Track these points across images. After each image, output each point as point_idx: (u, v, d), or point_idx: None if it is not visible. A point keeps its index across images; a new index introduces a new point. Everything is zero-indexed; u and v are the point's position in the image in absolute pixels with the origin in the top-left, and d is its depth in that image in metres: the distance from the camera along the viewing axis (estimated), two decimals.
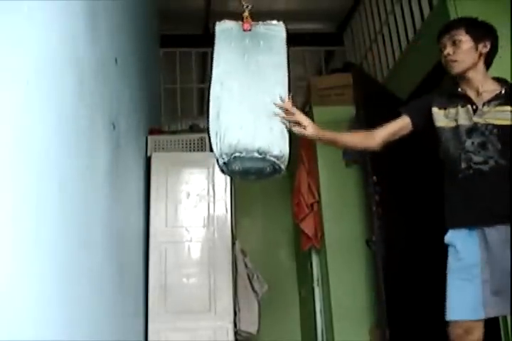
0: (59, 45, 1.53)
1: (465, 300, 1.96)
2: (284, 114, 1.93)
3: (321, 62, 6.03)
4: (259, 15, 1.94)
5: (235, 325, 3.43)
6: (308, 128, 2.01)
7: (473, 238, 2.01)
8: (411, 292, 3.31)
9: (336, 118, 4.08)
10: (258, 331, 3.74)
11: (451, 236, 2.06)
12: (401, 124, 2.21)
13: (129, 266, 2.80)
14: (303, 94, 4.67)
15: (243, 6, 1.92)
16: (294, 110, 1.99)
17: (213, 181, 3.56)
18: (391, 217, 3.43)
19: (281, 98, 1.90)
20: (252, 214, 5.29)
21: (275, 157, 1.77)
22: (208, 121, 1.84)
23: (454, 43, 2.12)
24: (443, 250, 2.13)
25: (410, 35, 4.11)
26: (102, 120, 2.12)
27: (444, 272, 2.08)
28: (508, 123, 2.03)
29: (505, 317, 2.69)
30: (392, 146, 2.25)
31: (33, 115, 1.27)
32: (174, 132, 4.49)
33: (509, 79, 2.19)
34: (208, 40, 1.95)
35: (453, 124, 2.11)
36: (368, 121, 3.51)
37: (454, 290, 1.99)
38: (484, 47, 2.12)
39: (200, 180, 3.59)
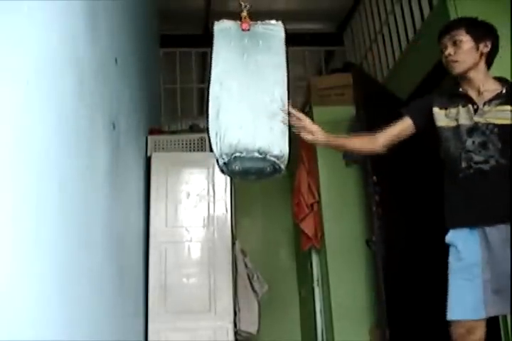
0: (59, 45, 1.53)
1: (466, 299, 1.96)
2: (294, 121, 1.97)
3: (321, 62, 6.03)
4: (259, 15, 1.94)
5: (235, 325, 3.43)
6: (319, 134, 2.03)
7: (474, 237, 2.01)
8: (411, 292, 3.31)
9: (336, 118, 4.08)
10: (258, 331, 3.74)
11: (452, 236, 2.06)
12: (403, 126, 2.22)
13: (129, 266, 2.80)
14: (303, 94, 4.67)
15: (241, 5, 1.92)
16: (303, 117, 2.01)
17: (213, 181, 3.56)
18: (391, 217, 3.43)
19: (281, 98, 1.90)
20: (252, 214, 5.29)
21: (275, 157, 1.77)
22: (208, 121, 1.84)
23: (455, 43, 2.12)
24: (443, 250, 2.13)
25: (410, 35, 4.11)
26: (102, 120, 2.12)
27: (444, 272, 2.08)
28: (508, 122, 2.04)
29: (505, 317, 2.70)
30: (392, 146, 2.26)
31: (33, 115, 1.27)
32: (174, 132, 4.49)
33: (510, 79, 2.19)
34: (207, 40, 1.95)
35: (454, 124, 2.11)
36: (368, 121, 3.51)
37: (455, 290, 1.99)
38: (485, 47, 2.12)
39: (200, 180, 3.59)
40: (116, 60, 2.47)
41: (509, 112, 2.04)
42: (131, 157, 2.99)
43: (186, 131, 4.29)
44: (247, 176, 1.87)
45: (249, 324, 3.63)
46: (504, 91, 2.09)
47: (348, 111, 3.89)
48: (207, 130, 1.83)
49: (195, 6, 5.26)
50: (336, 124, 4.09)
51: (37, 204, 1.27)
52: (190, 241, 3.47)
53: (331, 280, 3.98)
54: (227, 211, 3.54)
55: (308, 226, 4.21)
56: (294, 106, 2.01)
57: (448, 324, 2.01)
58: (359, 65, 5.09)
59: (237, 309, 3.51)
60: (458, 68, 2.13)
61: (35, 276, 1.24)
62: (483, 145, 2.04)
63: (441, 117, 2.14)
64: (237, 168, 1.78)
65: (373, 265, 3.59)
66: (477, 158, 2.04)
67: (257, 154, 1.75)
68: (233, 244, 3.59)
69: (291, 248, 5.23)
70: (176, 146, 3.75)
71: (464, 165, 2.06)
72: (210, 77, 1.88)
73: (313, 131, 2.04)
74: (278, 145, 1.79)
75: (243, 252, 3.85)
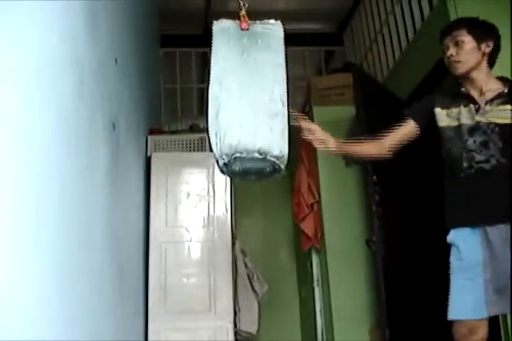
0: (59, 45, 1.53)
1: (468, 299, 1.96)
2: (306, 133, 2.05)
3: (321, 62, 6.03)
4: (259, 15, 1.94)
5: (235, 325, 3.43)
6: (330, 143, 2.06)
7: (475, 237, 2.01)
8: (411, 292, 3.31)
9: (336, 118, 4.08)
10: (258, 331, 3.74)
11: (454, 236, 2.06)
12: (407, 129, 2.22)
13: (129, 266, 2.80)
14: (303, 94, 4.67)
15: (240, 4, 1.92)
16: (314, 127, 2.05)
17: (213, 181, 3.56)
18: (391, 216, 3.43)
19: (280, 98, 1.90)
20: (252, 214, 5.29)
21: (275, 157, 1.77)
22: (207, 120, 1.84)
23: (457, 44, 2.12)
24: (443, 250, 2.13)
25: (410, 35, 4.11)
26: (102, 120, 2.12)
27: (444, 272, 2.08)
28: (509, 121, 2.04)
29: (505, 317, 2.70)
30: (397, 150, 2.26)
31: (33, 115, 1.27)
32: (174, 132, 4.49)
33: (477, 75, 2.17)
34: (207, 40, 1.95)
35: (455, 124, 2.11)
36: (368, 121, 3.51)
37: (457, 290, 1.99)
38: (487, 47, 2.12)
39: (200, 180, 3.59)
40: (116, 60, 2.47)
41: (510, 112, 2.05)
42: (131, 157, 3.00)
43: (186, 131, 4.29)
44: (246, 176, 1.86)
45: (249, 324, 3.63)
46: (506, 90, 2.09)
47: (348, 111, 3.89)
48: (207, 130, 1.83)
49: (195, 6, 5.26)
50: (336, 124, 4.09)
51: (37, 204, 1.27)
52: (190, 241, 3.47)
53: (331, 280, 3.98)
54: (227, 211, 3.54)
55: (308, 226, 4.21)
56: (294, 106, 2.01)
57: (448, 324, 2.01)
58: (359, 65, 5.09)
59: (237, 309, 3.51)
60: (460, 68, 2.13)
61: (35, 276, 1.24)
62: (485, 144, 2.04)
63: (443, 117, 2.15)
64: (237, 168, 1.77)
65: (373, 265, 3.59)
66: (478, 157, 2.04)
67: (257, 155, 1.75)
68: (233, 244, 3.59)
69: (291, 248, 5.23)
70: (176, 146, 3.75)
71: (465, 164, 2.06)
72: (209, 77, 1.88)
73: (325, 140, 2.06)
74: (278, 146, 1.79)
75: (243, 252, 3.85)
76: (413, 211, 3.54)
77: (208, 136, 1.83)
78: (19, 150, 1.17)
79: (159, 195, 3.51)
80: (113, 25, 2.46)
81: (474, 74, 2.12)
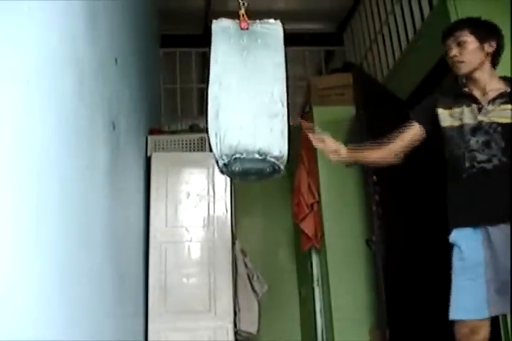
0: (59, 45, 1.53)
1: (469, 299, 1.96)
2: (317, 143, 2.10)
3: (321, 62, 6.03)
4: (259, 15, 1.94)
5: (235, 325, 3.43)
6: (342, 152, 2.11)
7: (477, 237, 2.01)
8: (411, 292, 3.31)
9: (336, 118, 4.08)
10: (258, 331, 3.74)
11: (456, 236, 2.06)
12: (414, 132, 2.23)
13: (129, 265, 2.80)
14: (303, 94, 4.67)
15: (240, 3, 1.91)
16: (327, 139, 2.09)
17: (213, 181, 3.56)
18: (391, 216, 3.43)
19: (280, 98, 1.90)
20: (252, 214, 5.29)
21: (275, 158, 1.77)
22: (207, 120, 1.84)
23: (460, 44, 2.12)
24: (443, 250, 2.13)
25: (410, 35, 4.11)
26: (102, 120, 2.12)
27: (444, 272, 2.08)
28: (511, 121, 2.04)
29: (505, 317, 2.70)
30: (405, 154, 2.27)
31: (33, 115, 1.27)
32: (174, 132, 4.49)
33: (480, 75, 2.17)
34: (207, 40, 1.94)
35: (458, 123, 2.11)
36: (368, 121, 3.51)
37: (459, 290, 1.99)
38: (490, 47, 2.12)
39: (200, 180, 3.59)
40: (116, 60, 2.47)
41: (511, 111, 2.05)
42: (131, 157, 3.00)
43: (186, 131, 4.29)
44: (246, 177, 1.86)
45: (249, 324, 3.63)
46: (508, 90, 2.09)
47: (348, 111, 3.89)
48: (206, 130, 1.83)
49: (195, 6, 5.26)
50: (335, 124, 4.10)
51: (37, 204, 1.27)
52: (190, 241, 3.47)
53: (331, 280, 3.97)
54: (227, 211, 3.54)
55: (308, 226, 4.21)
56: (293, 106, 2.02)
57: (448, 324, 2.01)
58: (359, 65, 5.09)
59: (237, 309, 3.52)
60: (464, 69, 2.13)
61: (35, 276, 1.24)
62: (487, 144, 2.04)
63: (446, 117, 2.15)
64: (237, 168, 1.77)
65: (373, 265, 3.59)
66: (480, 157, 2.04)
67: (257, 155, 1.75)
68: (233, 244, 3.59)
69: (291, 248, 5.23)
70: (176, 146, 3.75)
71: (467, 164, 2.06)
72: (209, 77, 1.87)
73: (337, 150, 2.10)
74: (278, 146, 1.79)
75: (243, 252, 3.85)
76: (413, 211, 3.54)
77: (208, 136, 1.83)
78: (19, 150, 1.17)
79: (159, 195, 3.51)
80: (113, 25, 2.46)
81: (477, 75, 2.12)
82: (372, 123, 3.48)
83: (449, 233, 2.10)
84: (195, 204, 3.54)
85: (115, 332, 2.26)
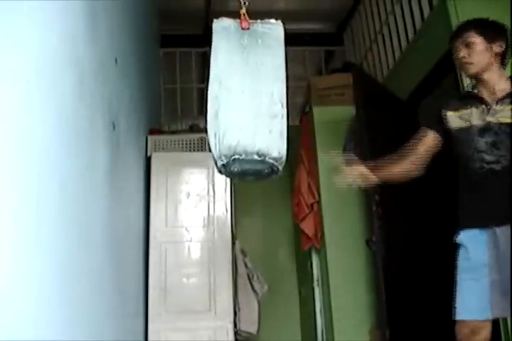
0: (59, 45, 1.53)
1: (472, 299, 1.96)
2: (350, 173, 2.12)
3: (321, 62, 6.03)
4: (259, 15, 1.94)
5: (235, 325, 3.43)
6: (370, 176, 2.13)
7: (483, 238, 2.00)
8: (411, 292, 3.31)
9: (336, 118, 4.08)
10: (258, 331, 3.74)
11: (463, 237, 2.05)
12: (431, 142, 2.21)
13: (129, 266, 2.80)
14: (303, 94, 4.67)
15: (241, 2, 1.91)
16: (360, 167, 2.12)
17: (213, 181, 3.56)
18: (391, 216, 3.43)
19: (280, 99, 1.90)
20: (252, 214, 5.29)
21: (274, 159, 1.77)
22: (206, 120, 1.83)
23: (468, 46, 2.11)
24: (443, 249, 2.13)
25: (410, 35, 4.11)
26: (102, 120, 2.12)
27: (445, 272, 2.08)
28: None
29: (505, 318, 2.69)
30: (392, 146, 2.26)
31: (33, 115, 1.27)
32: (174, 132, 4.49)
33: (489, 76, 2.17)
34: (208, 40, 1.94)
35: (466, 125, 2.10)
36: (367, 121, 3.51)
37: (462, 290, 1.99)
38: (498, 47, 2.11)
39: (200, 180, 3.59)
40: (116, 60, 2.46)
41: None
42: (131, 157, 2.99)
43: (186, 131, 4.29)
44: (244, 177, 1.86)
45: (249, 324, 3.63)
46: None
47: (348, 111, 3.88)
48: (206, 130, 1.83)
49: (195, 6, 5.26)
50: (335, 124, 4.10)
51: (37, 204, 1.27)
52: (190, 241, 3.47)
53: (331, 280, 3.97)
54: (227, 211, 3.54)
55: (308, 226, 4.21)
56: (293, 106, 2.02)
57: (448, 324, 2.01)
58: (359, 65, 5.09)
59: (237, 309, 3.52)
60: (472, 69, 2.12)
61: (35, 276, 1.24)
62: (495, 145, 2.04)
63: (455, 119, 2.14)
64: (235, 169, 1.77)
65: (373, 265, 3.59)
66: (489, 158, 2.04)
67: (256, 156, 1.75)
68: (233, 244, 3.59)
69: (291, 248, 5.23)
70: (176, 146, 3.75)
71: (476, 165, 2.06)
72: (209, 76, 1.87)
73: (364, 175, 2.14)
74: (277, 148, 1.78)
75: (243, 252, 3.85)
76: (413, 211, 3.54)
77: (208, 136, 1.83)
78: (19, 150, 1.17)
79: (159, 195, 3.51)
80: (113, 25, 2.46)
81: (486, 75, 2.12)
82: (372, 123, 3.48)
83: (454, 233, 2.09)
84: (195, 204, 3.54)
85: (115, 332, 2.26)
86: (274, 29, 1.94)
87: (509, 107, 2.05)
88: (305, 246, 4.37)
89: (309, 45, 5.84)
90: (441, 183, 2.22)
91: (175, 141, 3.76)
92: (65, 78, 1.59)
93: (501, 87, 2.10)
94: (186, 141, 3.77)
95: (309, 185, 4.25)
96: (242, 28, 1.90)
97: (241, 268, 3.73)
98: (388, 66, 4.60)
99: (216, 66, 1.87)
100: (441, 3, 3.40)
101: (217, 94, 1.82)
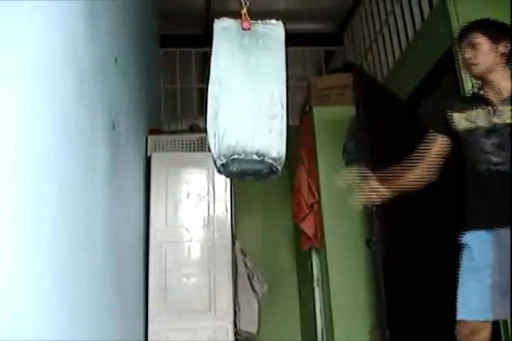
0: (59, 45, 1.53)
1: (474, 300, 1.96)
2: (365, 189, 2.14)
3: (321, 62, 6.03)
4: (259, 15, 1.94)
5: (235, 325, 3.43)
6: (383, 189, 2.14)
7: (488, 239, 2.00)
8: (411, 292, 3.31)
9: (336, 118, 4.08)
10: (258, 331, 3.74)
11: (469, 237, 2.05)
12: (441, 146, 2.20)
13: (129, 266, 2.80)
14: (303, 94, 4.67)
15: (241, 3, 1.91)
16: (374, 184, 2.14)
17: (213, 181, 3.56)
18: (391, 217, 3.42)
19: (279, 100, 1.90)
20: (252, 214, 5.29)
21: (273, 159, 1.77)
22: (206, 120, 1.83)
23: (473, 47, 2.11)
24: (443, 249, 2.13)
25: (410, 35, 4.11)
26: (102, 120, 2.12)
27: (445, 271, 2.08)
28: None
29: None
30: (392, 146, 2.26)
31: (33, 115, 1.27)
32: (174, 132, 4.49)
33: (495, 77, 2.16)
34: (208, 40, 1.94)
35: (472, 126, 2.10)
36: (367, 121, 3.50)
37: (464, 290, 1.99)
38: (503, 47, 2.11)
39: (200, 180, 3.59)
40: (116, 60, 2.47)
41: None
42: (131, 157, 3.00)
43: (186, 131, 4.29)
44: (243, 177, 1.86)
45: (249, 324, 3.63)
46: None
47: (348, 111, 3.88)
48: (206, 130, 1.83)
49: (195, 6, 5.26)
50: (335, 124, 4.10)
51: (37, 204, 1.27)
52: (190, 241, 3.47)
53: (331, 280, 3.97)
54: (227, 211, 3.54)
55: (308, 226, 4.21)
56: (293, 106, 2.01)
57: (448, 324, 2.01)
58: (359, 65, 5.09)
59: (237, 309, 3.51)
60: (477, 70, 2.12)
61: (35, 276, 1.24)
62: (502, 146, 2.03)
63: (461, 121, 2.13)
64: (234, 169, 1.77)
65: (373, 265, 3.59)
66: (496, 159, 2.03)
67: (255, 156, 1.75)
68: (233, 244, 3.59)
69: (291, 248, 5.22)
70: (176, 146, 3.75)
71: (483, 167, 2.05)
72: (209, 76, 1.87)
73: (378, 191, 2.15)
74: (276, 148, 1.79)
75: (243, 252, 3.85)
76: (413, 211, 3.54)
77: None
78: (19, 150, 1.17)
79: (159, 195, 3.51)
80: (113, 25, 2.46)
81: (492, 76, 2.11)
82: (372, 123, 3.47)
83: (453, 233, 2.09)
84: (195, 204, 3.54)
85: (115, 332, 2.26)
86: (275, 30, 1.94)
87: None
88: (305, 246, 4.37)
89: (309, 45, 5.84)
90: (442, 183, 2.21)
91: (175, 141, 3.76)
92: (65, 78, 1.59)
93: (507, 87, 2.10)
94: (186, 141, 3.77)
95: (309, 185, 4.25)
96: (243, 29, 1.90)
97: (241, 268, 3.73)
98: (388, 66, 4.60)
99: (217, 66, 1.87)
100: (441, 3, 3.40)
101: (218, 94, 1.82)
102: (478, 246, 2.01)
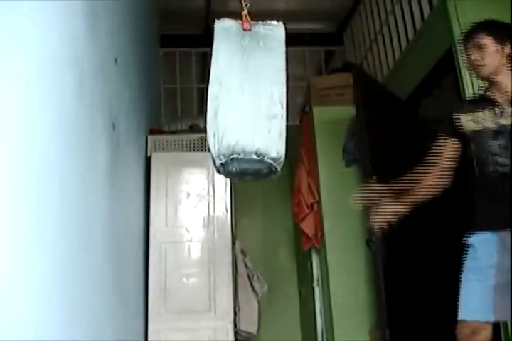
0: (59, 45, 1.53)
1: (475, 300, 1.96)
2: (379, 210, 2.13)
3: (321, 62, 6.03)
4: (259, 15, 1.94)
5: (235, 325, 3.43)
6: (400, 205, 2.13)
7: (493, 240, 2.00)
8: (411, 292, 3.31)
9: (336, 118, 4.08)
10: (258, 331, 3.74)
11: (475, 239, 2.04)
12: (452, 149, 2.19)
13: (129, 266, 2.80)
14: (303, 94, 4.67)
15: (242, 4, 1.91)
16: (386, 202, 2.13)
17: (213, 181, 3.56)
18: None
19: (279, 100, 1.90)
20: (252, 214, 5.29)
21: (272, 159, 1.77)
22: (206, 120, 1.84)
23: (479, 48, 2.11)
24: (443, 249, 2.13)
25: (410, 35, 4.11)
26: (102, 120, 2.12)
27: (445, 271, 2.08)
28: None
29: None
30: (391, 146, 2.26)
31: (33, 115, 1.27)
32: (174, 132, 4.49)
33: (502, 78, 2.16)
34: (208, 40, 1.94)
35: (480, 127, 2.10)
36: (367, 121, 3.51)
37: (466, 290, 1.99)
38: (510, 49, 2.10)
39: (200, 180, 3.59)
40: (116, 60, 2.47)
41: None
42: (131, 157, 3.00)
43: (186, 131, 4.29)
44: (243, 177, 1.87)
45: (249, 324, 3.63)
46: None
47: (348, 111, 3.88)
48: (206, 130, 1.83)
49: (195, 6, 5.26)
50: (335, 124, 4.10)
51: (37, 204, 1.27)
52: (190, 241, 3.47)
53: (331, 280, 3.97)
54: (227, 211, 3.54)
55: (308, 226, 4.21)
56: (293, 107, 2.01)
57: (448, 324, 2.01)
58: (359, 65, 5.09)
59: (237, 309, 3.52)
60: (484, 71, 2.12)
61: (35, 276, 1.24)
62: (509, 147, 2.03)
63: (468, 122, 2.13)
64: (234, 169, 1.77)
65: (373, 265, 3.59)
66: (503, 161, 2.03)
67: (254, 156, 1.75)
68: (233, 244, 3.59)
69: (291, 248, 5.23)
70: (176, 146, 3.75)
71: (490, 168, 2.05)
72: (209, 76, 1.87)
73: (395, 210, 2.16)
74: (275, 148, 1.79)
75: (243, 252, 3.85)
76: (413, 211, 3.53)
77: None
78: (19, 150, 1.17)
79: (159, 195, 3.51)
80: (113, 25, 2.46)
81: (499, 78, 2.11)
82: (372, 123, 3.48)
83: (458, 234, 2.09)
84: (195, 204, 3.54)
85: (115, 332, 2.26)
86: (276, 31, 1.94)
87: None
88: (305, 246, 4.37)
89: (309, 45, 5.84)
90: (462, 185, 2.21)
91: (175, 141, 3.77)
92: (65, 78, 1.59)
93: None
94: (186, 141, 3.77)
95: (309, 185, 4.25)
96: (244, 29, 1.90)
97: (241, 268, 3.73)
98: (388, 66, 4.60)
99: (217, 67, 1.87)
100: (441, 3, 3.40)
101: (218, 94, 1.83)
102: (483, 247, 2.01)
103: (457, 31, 3.11)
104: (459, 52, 3.07)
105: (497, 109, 2.08)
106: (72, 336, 1.55)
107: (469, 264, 2.02)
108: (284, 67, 1.90)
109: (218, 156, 1.76)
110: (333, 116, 4.10)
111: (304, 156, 4.33)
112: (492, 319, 1.94)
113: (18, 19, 1.19)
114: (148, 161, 3.59)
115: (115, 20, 2.53)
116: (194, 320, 3.32)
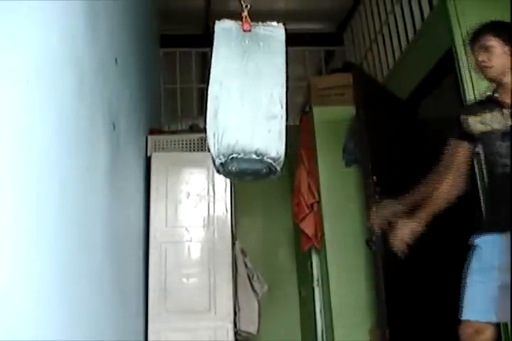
0: (59, 45, 1.53)
1: (478, 300, 1.96)
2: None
3: (321, 62, 6.03)
4: (259, 16, 1.94)
5: (235, 325, 3.43)
6: (411, 222, 2.14)
7: (498, 241, 2.00)
8: (411, 292, 3.31)
9: (336, 118, 4.08)
10: (258, 331, 3.74)
11: (481, 240, 2.05)
12: (464, 151, 2.19)
13: (129, 266, 2.80)
14: (303, 94, 4.67)
15: (242, 5, 1.91)
16: (401, 226, 2.16)
17: (213, 181, 3.56)
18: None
19: (279, 100, 1.90)
20: (252, 214, 5.29)
21: (272, 159, 1.77)
22: (206, 120, 1.84)
23: (487, 49, 2.10)
24: (443, 249, 2.13)
25: (410, 35, 4.11)
26: (102, 120, 2.12)
27: (445, 271, 2.08)
28: None
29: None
30: (391, 146, 2.26)
31: (33, 115, 1.27)
32: (174, 132, 4.49)
33: (509, 79, 2.16)
34: (208, 40, 1.95)
35: (488, 129, 2.10)
36: (367, 121, 3.51)
37: (470, 291, 1.99)
38: None
39: (200, 180, 3.59)
40: (116, 60, 2.47)
41: None
42: (131, 157, 3.00)
43: (186, 131, 4.29)
44: (242, 177, 1.87)
45: (249, 324, 3.63)
46: None
47: (348, 111, 3.88)
48: (205, 129, 1.83)
49: (195, 6, 5.26)
50: (335, 124, 4.11)
51: (37, 204, 1.27)
52: (190, 241, 3.47)
53: (331, 280, 3.97)
54: (227, 211, 3.54)
55: (308, 226, 4.21)
56: (293, 107, 2.01)
57: (448, 324, 2.01)
58: (359, 65, 5.09)
59: (237, 309, 3.52)
60: (491, 73, 2.12)
61: (35, 276, 1.24)
62: None
63: (476, 124, 2.13)
64: (233, 168, 1.77)
65: (373, 265, 3.59)
66: (510, 162, 2.03)
67: (254, 156, 1.75)
68: (233, 244, 3.59)
69: (291, 248, 5.23)
70: (176, 146, 3.75)
71: (500, 170, 2.05)
72: (209, 76, 1.88)
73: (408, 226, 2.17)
74: (275, 148, 1.79)
75: (243, 252, 3.85)
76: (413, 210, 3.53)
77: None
78: (19, 150, 1.17)
79: (159, 195, 3.51)
80: (113, 25, 2.46)
81: (506, 79, 2.10)
82: (372, 123, 3.48)
83: (458, 234, 2.09)
84: (195, 204, 3.54)
85: (115, 332, 2.26)
86: (276, 32, 1.94)
87: None
88: (305, 246, 4.37)
89: (309, 45, 5.85)
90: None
91: (175, 141, 3.77)
92: (65, 78, 1.59)
93: None
94: (186, 141, 3.77)
95: (309, 185, 4.25)
96: (244, 30, 1.90)
97: (241, 268, 3.73)
98: (388, 66, 4.60)
99: (217, 67, 1.87)
100: (441, 3, 3.40)
101: (218, 94, 1.83)
102: (488, 248, 2.01)
103: (457, 31, 3.11)
104: (459, 52, 3.08)
105: (505, 111, 2.08)
106: (72, 336, 1.55)
107: (474, 265, 2.03)
108: (284, 68, 1.90)
109: (218, 156, 1.76)
110: (333, 116, 4.10)
111: (304, 156, 4.33)
112: (494, 319, 1.95)
113: (18, 19, 1.19)
114: (148, 161, 3.59)
115: (115, 20, 2.53)
116: (194, 320, 3.32)
